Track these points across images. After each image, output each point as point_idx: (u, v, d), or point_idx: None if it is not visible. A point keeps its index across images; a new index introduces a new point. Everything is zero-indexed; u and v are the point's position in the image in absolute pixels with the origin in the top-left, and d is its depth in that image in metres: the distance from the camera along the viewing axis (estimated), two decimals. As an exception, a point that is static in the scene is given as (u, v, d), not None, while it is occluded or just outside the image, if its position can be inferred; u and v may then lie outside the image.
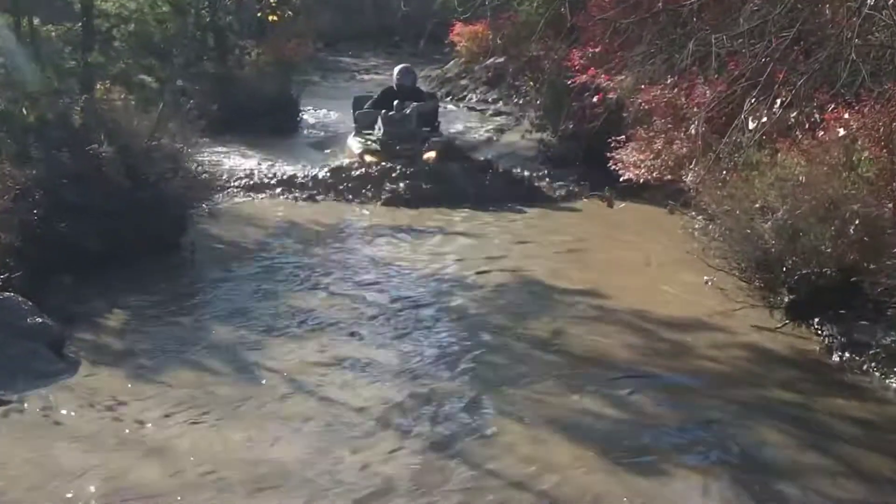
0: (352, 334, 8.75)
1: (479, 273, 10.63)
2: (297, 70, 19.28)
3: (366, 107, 16.71)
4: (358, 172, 14.67)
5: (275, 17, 17.56)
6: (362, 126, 16.37)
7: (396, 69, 17.86)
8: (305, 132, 18.36)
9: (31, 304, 8.37)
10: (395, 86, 17.10)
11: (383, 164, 14.80)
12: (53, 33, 11.33)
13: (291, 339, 8.58)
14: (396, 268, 10.89)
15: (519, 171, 15.18)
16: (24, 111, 10.26)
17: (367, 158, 15.03)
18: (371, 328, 8.96)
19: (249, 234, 11.98)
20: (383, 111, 15.68)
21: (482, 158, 16.15)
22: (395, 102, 15.69)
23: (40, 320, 8.22)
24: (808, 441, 6.63)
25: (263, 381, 7.69)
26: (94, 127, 10.57)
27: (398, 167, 14.58)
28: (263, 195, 13.97)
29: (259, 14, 17.93)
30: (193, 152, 11.72)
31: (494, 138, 18.88)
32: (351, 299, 9.72)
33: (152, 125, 11.14)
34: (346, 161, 15.64)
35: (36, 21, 11.00)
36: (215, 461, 6.29)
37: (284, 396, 7.40)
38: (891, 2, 8.56)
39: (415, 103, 16.18)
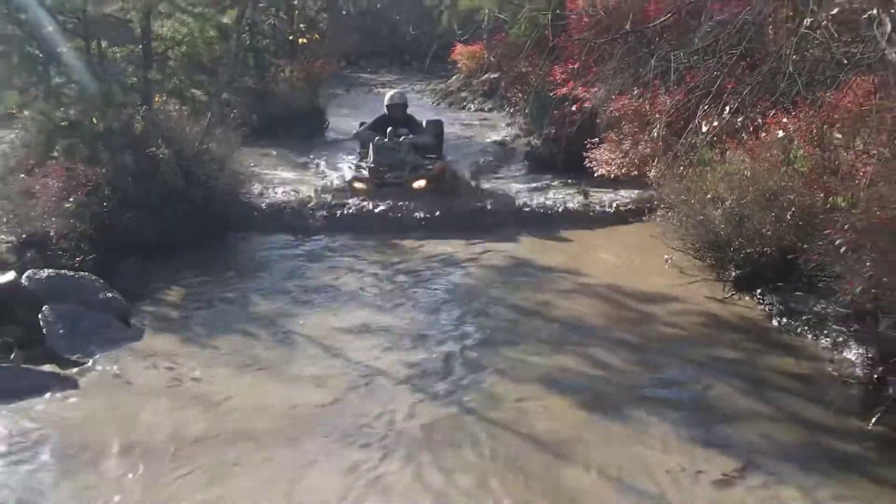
0: (376, 307, 8.76)
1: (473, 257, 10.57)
2: (324, 85, 19.17)
3: (361, 128, 14.05)
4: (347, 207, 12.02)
5: (304, 40, 17.51)
6: (362, 143, 13.75)
7: (387, 95, 14.49)
8: (331, 136, 17.98)
9: (102, 282, 8.48)
10: (387, 110, 13.98)
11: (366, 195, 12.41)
12: (118, 54, 11.33)
13: (322, 310, 8.61)
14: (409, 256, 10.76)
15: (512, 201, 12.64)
16: (94, 120, 10.27)
17: (357, 186, 12.62)
18: (389, 300, 9.01)
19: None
20: (377, 138, 13.02)
21: (474, 185, 13.74)
22: (389, 129, 13.05)
23: (110, 296, 8.36)
24: (750, 391, 6.72)
25: (298, 345, 7.76)
26: (152, 134, 10.55)
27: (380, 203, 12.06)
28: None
29: (290, 37, 17.85)
30: (236, 155, 11.73)
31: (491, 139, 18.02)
32: (374, 278, 9.71)
33: (202, 132, 11.14)
34: (336, 185, 13.14)
35: (104, 44, 11.03)
36: (258, 411, 6.45)
37: (316, 357, 7.47)
38: (823, 23, 8.63)
39: (409, 135, 13.27)
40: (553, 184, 13.50)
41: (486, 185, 13.81)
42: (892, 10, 6.49)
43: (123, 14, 11.24)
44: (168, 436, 6.03)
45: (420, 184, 12.60)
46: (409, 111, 14.28)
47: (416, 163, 12.86)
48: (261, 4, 15.37)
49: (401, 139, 12.88)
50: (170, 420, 6.30)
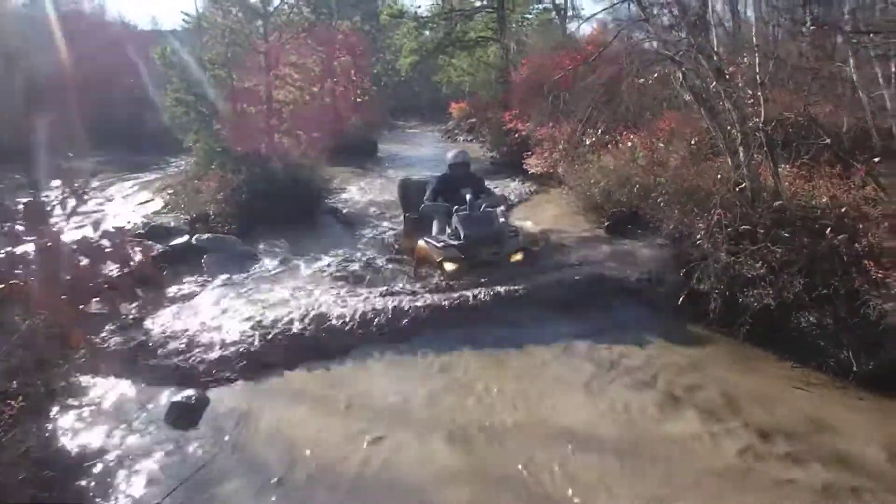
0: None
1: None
2: (375, 127, 19.16)
3: (426, 199, 7.67)
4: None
5: (360, 99, 17.23)
6: (426, 219, 7.54)
7: (450, 154, 8.27)
8: (380, 156, 17.90)
9: (241, 241, 8.54)
10: (448, 170, 8.00)
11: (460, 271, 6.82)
12: (253, 110, 11.22)
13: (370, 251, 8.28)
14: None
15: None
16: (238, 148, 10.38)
17: (449, 268, 6.78)
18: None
19: (348, 210, 11.19)
20: (455, 208, 7.18)
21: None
22: (469, 197, 7.21)
23: (247, 248, 8.41)
24: (604, 271, 6.69)
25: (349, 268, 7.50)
26: (272, 156, 10.67)
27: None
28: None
29: (354, 99, 17.63)
30: (321, 169, 11.67)
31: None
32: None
33: (300, 154, 11.21)
34: (420, 265, 7.16)
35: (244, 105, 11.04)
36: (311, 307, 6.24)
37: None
38: (653, 79, 8.59)
39: (480, 195, 7.52)
40: (507, 178, 13.05)
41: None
42: (683, 70, 6.41)
43: (254, 86, 11.19)
44: (275, 318, 6.01)
45: (518, 257, 6.98)
46: (422, 143, 13.32)
47: (505, 231, 7.22)
48: (335, 79, 15.15)
49: (481, 207, 7.24)
50: (271, 308, 6.28)
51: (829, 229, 5.14)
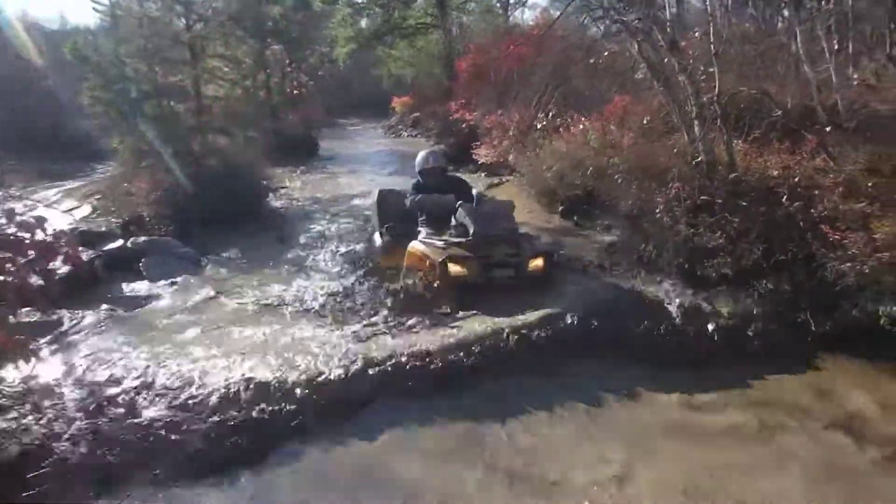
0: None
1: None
2: (315, 124, 18.95)
3: (409, 196, 6.64)
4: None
5: (297, 92, 16.98)
6: (431, 216, 6.36)
7: (420, 157, 7.09)
8: (322, 154, 17.59)
9: (179, 242, 8.32)
10: (420, 178, 6.85)
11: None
12: (181, 107, 11.01)
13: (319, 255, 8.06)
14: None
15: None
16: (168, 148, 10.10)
17: (454, 270, 5.54)
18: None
19: (293, 211, 11.07)
20: (460, 203, 6.14)
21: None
22: (475, 192, 6.54)
23: (187, 250, 8.18)
24: (564, 253, 6.80)
25: (296, 279, 7.01)
26: (206, 154, 10.44)
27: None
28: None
29: (292, 91, 17.37)
30: (260, 167, 11.51)
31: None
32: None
33: (238, 152, 11.03)
34: (409, 275, 5.89)
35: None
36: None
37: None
38: (603, 58, 8.79)
39: (476, 192, 6.60)
40: (457, 171, 12.85)
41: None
42: (639, 41, 6.60)
43: (181, 81, 10.93)
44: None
45: (538, 263, 5.71)
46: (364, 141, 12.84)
47: (519, 234, 6.05)
48: (268, 71, 14.91)
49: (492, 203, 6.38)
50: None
51: (784, 198, 5.37)
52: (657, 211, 5.96)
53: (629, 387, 4.58)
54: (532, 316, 5.13)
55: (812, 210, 5.20)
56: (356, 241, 8.25)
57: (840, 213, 4.97)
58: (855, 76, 6.97)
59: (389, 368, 4.65)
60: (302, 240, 8.89)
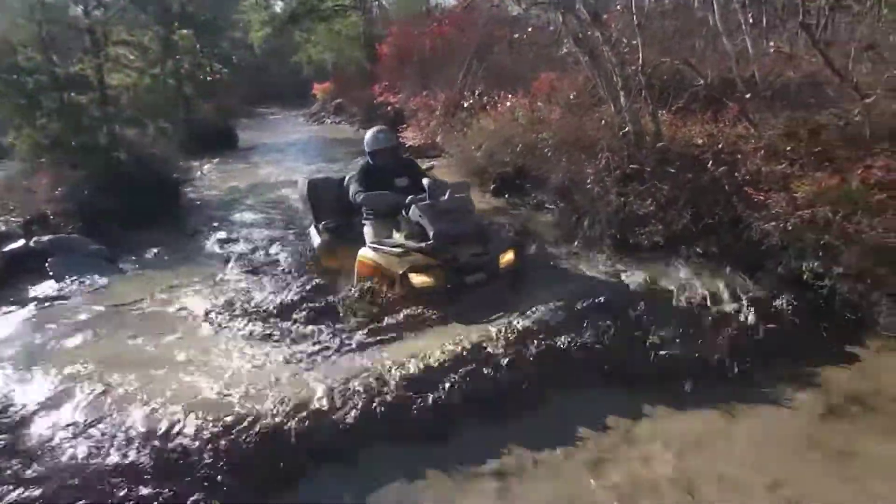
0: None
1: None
2: (233, 114, 18.44)
3: (352, 188, 5.66)
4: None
5: (211, 78, 16.37)
6: (378, 215, 5.53)
7: (369, 136, 5.91)
8: (242, 146, 17.07)
9: (89, 239, 7.88)
10: (370, 160, 5.82)
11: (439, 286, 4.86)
12: (84, 99, 10.47)
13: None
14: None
15: None
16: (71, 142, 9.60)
17: (418, 281, 4.81)
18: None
19: (213, 204, 10.76)
20: (410, 198, 5.18)
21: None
22: (426, 182, 5.26)
23: (96, 247, 7.75)
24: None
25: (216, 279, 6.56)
26: (115, 147, 9.98)
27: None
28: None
29: (206, 78, 16.76)
30: (175, 159, 11.16)
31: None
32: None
33: (150, 144, 10.62)
34: (359, 286, 5.07)
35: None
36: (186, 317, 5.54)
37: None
38: (527, 33, 8.84)
39: (427, 182, 5.31)
40: None
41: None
42: (562, 12, 6.67)
43: (83, 71, 10.37)
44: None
45: (510, 257, 5.13)
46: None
47: (485, 228, 5.42)
48: (178, 57, 14.31)
49: (447, 193, 5.15)
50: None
51: (709, 164, 5.55)
52: (587, 182, 6.06)
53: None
54: (515, 323, 4.37)
55: (736, 174, 5.39)
56: (285, 236, 7.73)
57: (762, 176, 5.17)
58: (770, 45, 7.23)
59: (332, 414, 3.66)
60: (222, 234, 8.58)
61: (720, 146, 5.79)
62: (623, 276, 5.31)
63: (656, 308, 4.61)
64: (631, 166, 5.90)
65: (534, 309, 4.53)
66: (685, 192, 5.56)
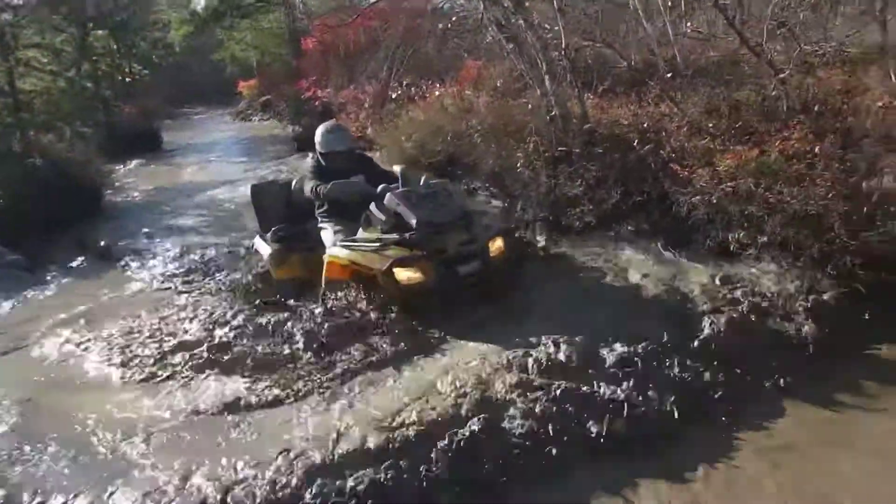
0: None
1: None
2: (155, 115, 17.94)
3: (308, 185, 4.91)
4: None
5: (130, 78, 15.88)
6: (338, 213, 4.89)
7: (319, 133, 5.16)
8: (166, 147, 16.66)
9: (7, 249, 7.59)
10: (321, 156, 5.08)
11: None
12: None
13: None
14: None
15: None
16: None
17: (405, 276, 4.18)
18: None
19: (133, 208, 10.44)
20: (383, 187, 4.56)
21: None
22: (397, 169, 4.91)
23: (13, 256, 7.51)
24: None
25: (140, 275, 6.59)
26: (30, 153, 9.62)
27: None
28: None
29: (126, 79, 16.21)
30: (94, 163, 10.86)
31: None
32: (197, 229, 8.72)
33: (66, 149, 10.33)
34: (330, 291, 4.57)
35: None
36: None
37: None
38: (451, 23, 8.88)
39: (398, 168, 4.96)
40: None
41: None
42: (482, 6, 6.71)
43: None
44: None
45: (499, 245, 4.58)
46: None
47: (470, 214, 4.79)
48: (94, 59, 13.81)
49: (421, 180, 4.78)
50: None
51: (635, 143, 5.70)
52: (517, 166, 6.13)
53: None
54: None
55: (661, 152, 5.54)
56: (221, 245, 7.15)
57: (686, 152, 5.33)
58: (689, 26, 7.47)
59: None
60: (144, 241, 8.21)
61: (645, 125, 5.93)
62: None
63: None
64: (559, 149, 6.00)
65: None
66: (613, 172, 5.69)
